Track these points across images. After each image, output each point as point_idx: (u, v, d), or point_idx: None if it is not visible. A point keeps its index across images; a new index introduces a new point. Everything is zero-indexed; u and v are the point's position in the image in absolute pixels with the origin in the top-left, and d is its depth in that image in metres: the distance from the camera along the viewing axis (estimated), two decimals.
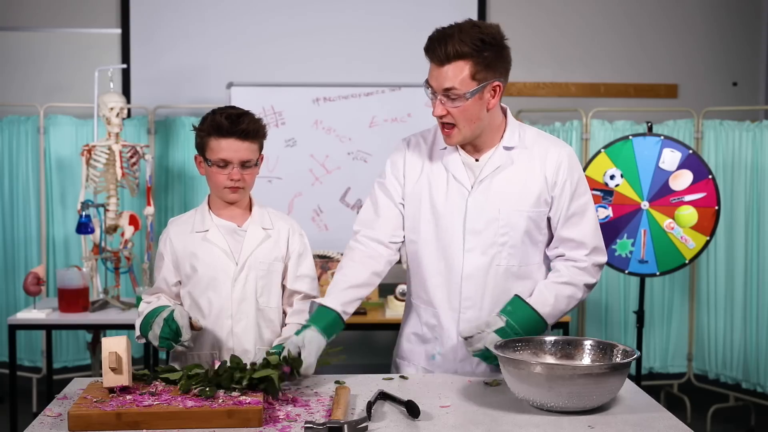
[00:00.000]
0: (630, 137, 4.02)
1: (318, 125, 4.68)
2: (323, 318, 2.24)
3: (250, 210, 2.50)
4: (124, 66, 5.03)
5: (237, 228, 2.45)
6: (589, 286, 2.31)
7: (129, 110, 4.96)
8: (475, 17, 5.27)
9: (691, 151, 3.98)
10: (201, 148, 2.42)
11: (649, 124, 4.07)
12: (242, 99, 4.55)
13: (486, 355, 2.18)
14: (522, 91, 5.40)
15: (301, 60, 5.18)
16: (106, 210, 4.21)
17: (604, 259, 2.34)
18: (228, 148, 2.35)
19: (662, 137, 4.00)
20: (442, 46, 2.16)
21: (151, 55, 5.18)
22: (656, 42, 5.44)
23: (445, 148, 2.32)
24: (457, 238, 2.29)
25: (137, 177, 4.36)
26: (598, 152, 4.05)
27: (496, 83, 2.20)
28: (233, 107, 2.44)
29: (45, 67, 5.21)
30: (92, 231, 4.09)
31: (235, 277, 2.42)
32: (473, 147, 2.30)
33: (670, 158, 3.98)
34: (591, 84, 5.43)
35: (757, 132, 4.60)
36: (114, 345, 2.02)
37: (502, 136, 2.30)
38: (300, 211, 4.65)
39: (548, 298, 2.26)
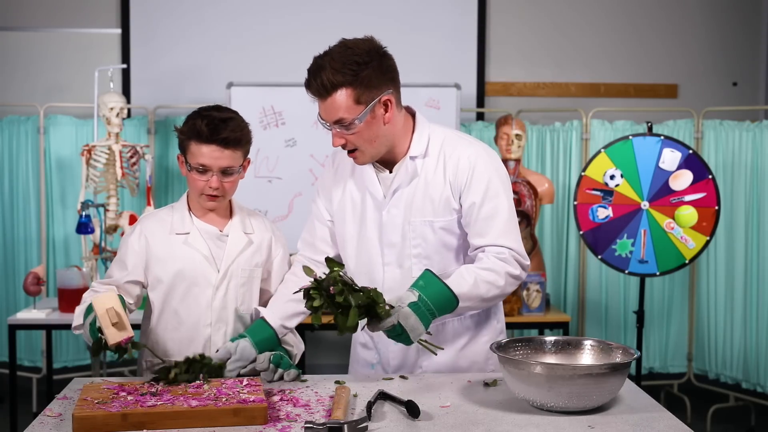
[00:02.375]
0: (630, 137, 4.02)
1: (318, 125, 4.63)
2: (260, 332, 2.25)
3: (231, 212, 2.40)
4: (124, 66, 5.04)
5: (219, 233, 2.34)
6: (513, 276, 2.18)
7: (129, 110, 4.96)
8: (475, 17, 5.27)
9: (691, 151, 3.98)
10: (182, 149, 2.31)
11: (649, 124, 4.07)
12: (242, 99, 4.55)
13: (398, 332, 2.05)
14: (522, 91, 5.40)
15: (301, 60, 5.06)
16: (106, 210, 4.21)
17: (525, 262, 2.21)
18: (208, 154, 2.24)
19: (662, 137, 4.00)
20: (318, 79, 2.11)
21: (151, 55, 5.18)
22: (656, 42, 5.44)
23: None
24: (376, 252, 2.28)
25: (137, 177, 4.37)
26: (598, 152, 4.05)
27: (385, 97, 2.16)
28: (218, 108, 2.32)
29: (45, 67, 5.21)
30: (92, 231, 4.09)
31: (216, 285, 2.32)
32: (385, 159, 2.27)
33: (670, 158, 3.98)
34: (591, 84, 5.43)
35: (757, 132, 4.60)
36: (108, 302, 1.98)
37: (409, 145, 2.26)
38: (300, 211, 4.64)
39: (467, 278, 2.13)
